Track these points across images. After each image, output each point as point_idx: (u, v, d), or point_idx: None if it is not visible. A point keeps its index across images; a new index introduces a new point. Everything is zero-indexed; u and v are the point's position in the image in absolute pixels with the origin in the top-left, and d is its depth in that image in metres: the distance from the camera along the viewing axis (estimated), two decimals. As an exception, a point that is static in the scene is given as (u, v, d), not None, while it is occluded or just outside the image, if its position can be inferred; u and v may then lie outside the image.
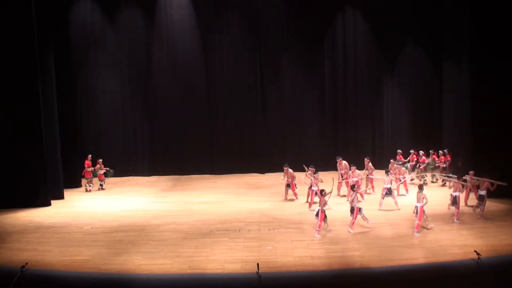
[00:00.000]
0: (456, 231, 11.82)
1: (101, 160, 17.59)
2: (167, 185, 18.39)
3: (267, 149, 19.99)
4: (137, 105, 19.95)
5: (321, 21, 19.88)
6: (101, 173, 17.49)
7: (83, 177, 17.44)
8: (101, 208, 14.87)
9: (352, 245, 10.95)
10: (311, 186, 14.53)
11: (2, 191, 14.62)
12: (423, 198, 11.90)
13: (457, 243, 11.02)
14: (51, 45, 15.94)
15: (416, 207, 11.97)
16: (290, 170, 15.34)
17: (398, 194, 15.35)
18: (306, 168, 14.94)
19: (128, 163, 19.89)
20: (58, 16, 16.75)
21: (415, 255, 10.29)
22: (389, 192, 14.07)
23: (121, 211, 14.46)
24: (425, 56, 19.97)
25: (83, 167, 17.38)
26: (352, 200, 12.15)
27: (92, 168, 17.35)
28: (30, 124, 14.71)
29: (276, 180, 17.64)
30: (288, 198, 15.39)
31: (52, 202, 15.25)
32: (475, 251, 9.49)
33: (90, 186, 17.27)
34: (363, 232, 11.89)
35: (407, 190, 15.77)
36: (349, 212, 12.25)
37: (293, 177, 15.21)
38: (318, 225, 11.72)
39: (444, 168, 16.96)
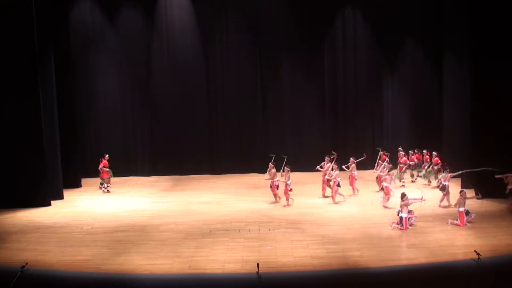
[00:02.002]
0: (456, 231, 11.82)
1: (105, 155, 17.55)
2: (167, 185, 18.39)
3: (267, 149, 19.95)
4: (137, 105, 19.95)
5: (321, 21, 19.87)
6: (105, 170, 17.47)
7: (100, 177, 17.29)
8: (101, 208, 14.87)
9: (352, 245, 10.95)
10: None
11: (2, 191, 14.61)
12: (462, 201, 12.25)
13: (457, 243, 11.02)
14: (51, 45, 15.92)
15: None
16: (274, 170, 15.05)
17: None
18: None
19: (128, 163, 19.89)
20: (58, 16, 16.72)
21: (415, 255, 10.28)
22: (442, 188, 14.15)
23: (121, 211, 14.46)
24: (425, 56, 20.00)
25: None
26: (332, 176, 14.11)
27: (109, 168, 17.25)
28: (30, 124, 14.69)
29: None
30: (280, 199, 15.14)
31: (52, 202, 15.24)
32: (475, 251, 9.48)
33: (108, 186, 17.18)
34: (363, 232, 11.89)
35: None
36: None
37: (275, 175, 14.93)
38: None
39: (439, 170, 16.80)
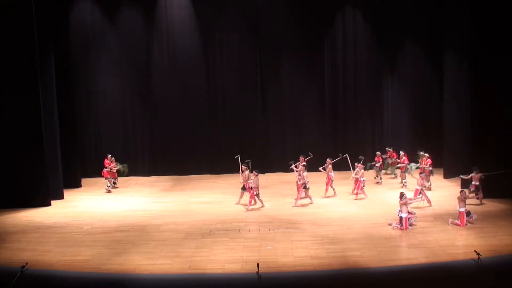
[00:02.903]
0: (456, 231, 11.82)
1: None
2: (167, 185, 18.39)
3: (267, 149, 19.98)
4: (137, 105, 19.95)
5: (321, 21, 19.87)
6: (114, 171, 17.45)
7: (103, 177, 17.35)
8: (101, 208, 14.88)
9: (352, 245, 10.95)
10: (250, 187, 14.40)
11: (2, 191, 14.62)
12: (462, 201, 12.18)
13: (457, 243, 11.03)
14: (51, 45, 15.92)
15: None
16: (247, 172, 14.90)
17: (357, 198, 15.29)
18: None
19: (128, 163, 19.84)
20: (58, 16, 16.71)
21: (415, 255, 10.29)
22: (477, 189, 14.15)
23: (121, 211, 14.46)
24: (425, 56, 20.00)
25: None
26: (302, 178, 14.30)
27: (112, 168, 17.29)
28: (30, 123, 14.70)
29: (275, 179, 17.65)
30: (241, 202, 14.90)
31: (52, 202, 15.25)
32: (475, 251, 9.49)
33: (110, 186, 17.22)
34: (363, 232, 11.89)
35: (364, 193, 15.37)
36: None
37: (247, 178, 14.68)
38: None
39: (431, 172, 16.63)
